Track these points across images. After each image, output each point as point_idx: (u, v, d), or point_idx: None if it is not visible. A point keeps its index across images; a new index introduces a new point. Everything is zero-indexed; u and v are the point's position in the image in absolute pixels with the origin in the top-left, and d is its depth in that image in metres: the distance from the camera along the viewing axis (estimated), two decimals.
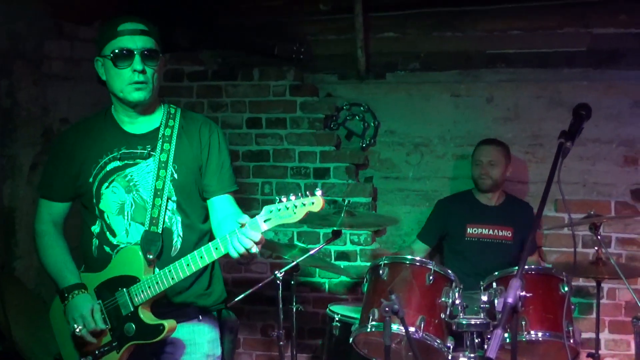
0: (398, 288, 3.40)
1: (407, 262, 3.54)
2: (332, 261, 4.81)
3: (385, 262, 3.53)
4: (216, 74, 4.96)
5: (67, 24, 4.42)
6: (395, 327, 3.20)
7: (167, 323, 2.63)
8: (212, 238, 2.77)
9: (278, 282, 3.65)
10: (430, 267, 3.46)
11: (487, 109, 4.78)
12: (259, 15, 4.98)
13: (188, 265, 2.56)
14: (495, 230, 4.38)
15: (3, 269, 3.92)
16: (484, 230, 4.39)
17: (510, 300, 2.44)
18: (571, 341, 3.34)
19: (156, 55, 2.69)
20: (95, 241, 2.79)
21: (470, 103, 4.80)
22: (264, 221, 2.46)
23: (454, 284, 3.48)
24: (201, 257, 2.55)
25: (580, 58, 4.66)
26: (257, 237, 2.46)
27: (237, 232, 2.47)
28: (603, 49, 4.63)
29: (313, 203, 2.43)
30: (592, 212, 3.79)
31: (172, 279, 2.58)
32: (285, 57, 4.94)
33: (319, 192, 2.44)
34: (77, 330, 2.66)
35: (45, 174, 2.92)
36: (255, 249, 2.49)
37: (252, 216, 2.49)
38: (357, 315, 3.60)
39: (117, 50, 2.63)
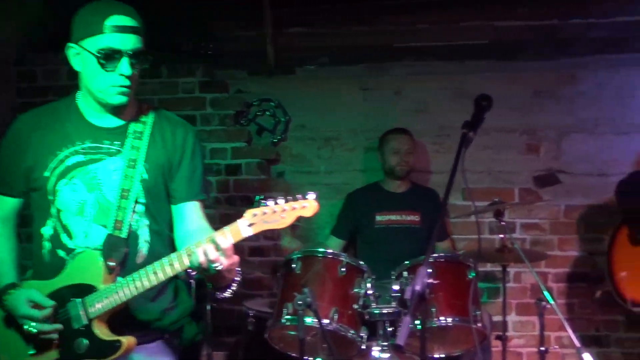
0: (311, 281, 3.44)
1: (320, 255, 3.57)
2: (247, 257, 4.80)
3: (298, 256, 3.55)
4: None
5: None
6: (309, 320, 3.23)
7: (125, 339, 2.33)
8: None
9: (191, 280, 3.62)
10: (342, 259, 3.51)
11: (396, 101, 4.86)
12: (166, 11, 4.89)
13: (155, 273, 2.28)
14: (403, 216, 4.47)
15: None
16: (392, 216, 4.48)
17: (418, 288, 2.49)
18: (479, 325, 3.45)
19: (144, 57, 2.43)
20: (47, 244, 2.46)
21: (379, 96, 4.87)
22: (248, 225, 2.21)
23: (365, 275, 3.53)
24: (171, 265, 2.27)
25: (484, 50, 4.79)
26: (225, 244, 2.19)
27: (212, 237, 2.21)
28: (505, 41, 4.77)
29: (305, 207, 2.19)
30: (496, 200, 3.92)
31: (136, 288, 2.29)
32: (194, 54, 4.88)
33: (311, 195, 2.21)
34: (30, 330, 2.35)
35: None
36: (219, 261, 2.20)
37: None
38: (272, 311, 3.60)
39: (104, 51, 2.33)
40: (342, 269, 3.47)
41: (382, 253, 4.37)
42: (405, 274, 3.53)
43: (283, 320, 3.40)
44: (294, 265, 3.50)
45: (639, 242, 3.98)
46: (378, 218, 4.49)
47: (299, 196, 2.22)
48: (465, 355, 3.77)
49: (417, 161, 4.66)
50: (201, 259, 2.22)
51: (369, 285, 3.52)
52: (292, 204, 2.20)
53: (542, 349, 3.67)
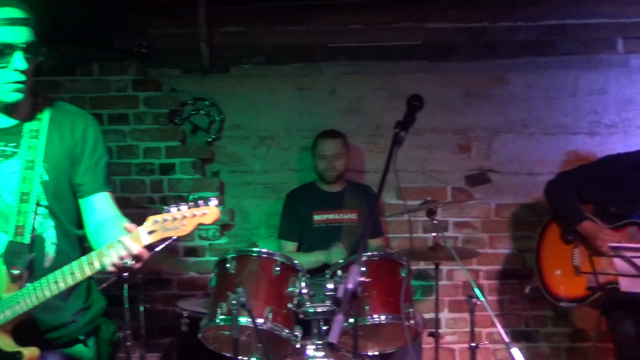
0: (245, 280, 3.42)
1: (254, 254, 3.55)
2: (180, 257, 4.75)
3: (232, 255, 3.52)
4: (53, 69, 4.74)
5: None
6: (243, 320, 3.22)
7: (27, 351, 2.27)
8: (88, 243, 2.47)
9: (123, 281, 3.57)
10: (277, 258, 3.50)
11: (331, 101, 4.89)
12: (99, 8, 4.81)
13: (56, 283, 2.22)
14: (341, 214, 4.49)
15: None
16: (330, 215, 4.49)
17: (349, 286, 2.52)
18: (411, 322, 3.49)
19: (37, 49, 2.31)
20: None
21: (314, 96, 4.89)
22: (148, 233, 2.16)
23: (300, 274, 3.53)
24: (72, 274, 2.22)
25: (416, 51, 4.86)
26: (136, 249, 2.16)
27: (116, 245, 2.17)
28: (437, 42, 4.85)
29: (205, 214, 2.15)
30: (428, 199, 3.98)
31: (37, 297, 2.23)
32: (127, 51, 4.81)
33: (213, 202, 2.17)
34: None
35: None
36: (131, 263, 2.18)
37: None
38: (206, 311, 3.58)
39: None
40: (277, 269, 3.47)
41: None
42: (339, 272, 3.54)
43: (217, 320, 3.37)
44: (228, 265, 3.48)
45: (567, 239, 4.09)
46: (316, 217, 4.49)
47: (200, 202, 2.17)
48: (398, 352, 3.81)
49: (352, 161, 4.68)
50: (109, 268, 2.20)
51: (303, 284, 3.52)
52: (192, 210, 2.16)
53: (473, 344, 3.75)
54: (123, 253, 2.16)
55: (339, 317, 2.46)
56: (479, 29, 4.84)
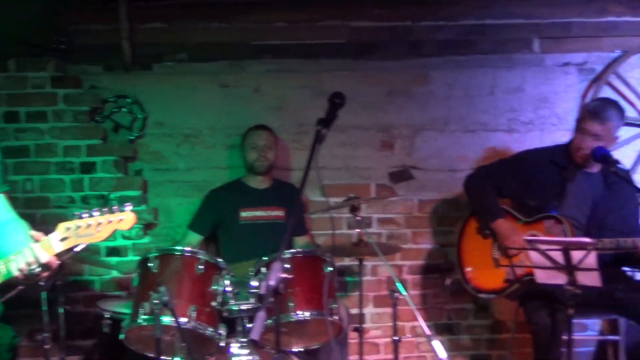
0: (168, 279, 3.40)
1: (177, 253, 3.54)
2: (103, 257, 4.66)
3: (155, 254, 3.50)
4: None
5: None
6: (166, 319, 3.20)
7: None
8: None
9: (41, 283, 3.48)
10: (200, 256, 3.49)
11: (255, 99, 4.87)
12: (15, 3, 4.67)
13: None
14: (268, 212, 4.50)
15: None
16: (257, 212, 4.49)
17: (271, 282, 2.54)
18: (335, 318, 3.53)
19: None
20: None
21: (239, 93, 4.86)
22: (60, 240, 2.11)
23: (224, 272, 3.53)
24: None
25: (341, 50, 4.89)
26: (45, 258, 2.10)
27: (25, 251, 2.10)
28: (361, 41, 4.89)
29: (122, 220, 2.12)
30: (351, 195, 4.03)
31: None
32: (45, 48, 4.69)
33: (128, 207, 2.14)
34: None
35: None
36: (38, 270, 2.13)
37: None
38: (129, 311, 3.53)
39: None
40: (200, 267, 3.46)
41: (247, 249, 4.36)
42: (263, 269, 3.55)
43: (139, 321, 3.34)
44: (150, 264, 3.45)
45: (486, 234, 4.20)
46: (243, 214, 4.49)
47: (115, 208, 2.15)
48: (323, 348, 3.84)
49: (278, 158, 4.70)
50: (15, 274, 2.15)
51: (227, 282, 3.52)
52: (108, 217, 2.14)
53: (396, 338, 3.82)
54: (31, 260, 2.10)
55: (261, 314, 2.48)
56: (402, 27, 4.91)
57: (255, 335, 2.42)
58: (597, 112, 3.99)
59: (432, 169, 4.95)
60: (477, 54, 4.95)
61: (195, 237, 4.55)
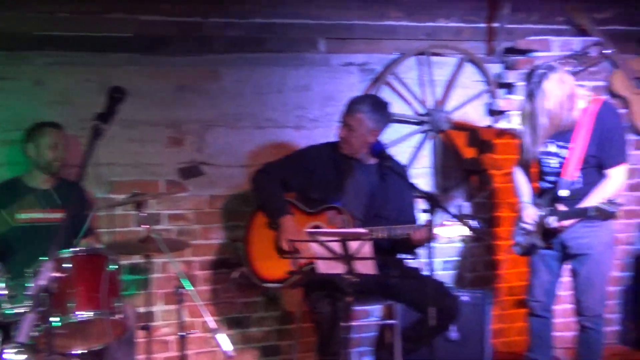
0: None
1: None
2: None
3: None
4: None
5: None
6: None
7: None
8: None
9: None
10: None
11: (36, 92, 4.65)
12: None
13: None
14: (47, 214, 4.31)
15: None
16: (35, 215, 4.29)
17: (42, 282, 2.46)
18: (119, 317, 3.48)
19: None
20: None
21: (18, 86, 4.62)
22: None
23: None
24: None
25: (128, 43, 4.79)
26: None
27: None
28: (149, 35, 4.82)
29: None
30: (135, 192, 3.98)
31: None
32: None
33: None
34: None
35: None
36: None
37: None
38: None
39: None
40: None
41: (24, 252, 4.14)
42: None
43: None
44: None
45: (272, 226, 4.31)
46: (20, 216, 4.26)
47: None
48: (108, 348, 3.77)
49: (67, 155, 4.52)
50: None
51: (2, 285, 3.36)
52: None
53: (182, 334, 3.83)
54: None
55: (29, 316, 2.39)
56: (192, 23, 4.90)
57: (21, 338, 2.33)
58: (350, 104, 4.33)
59: (223, 165, 5.00)
60: (268, 52, 5.05)
61: None
